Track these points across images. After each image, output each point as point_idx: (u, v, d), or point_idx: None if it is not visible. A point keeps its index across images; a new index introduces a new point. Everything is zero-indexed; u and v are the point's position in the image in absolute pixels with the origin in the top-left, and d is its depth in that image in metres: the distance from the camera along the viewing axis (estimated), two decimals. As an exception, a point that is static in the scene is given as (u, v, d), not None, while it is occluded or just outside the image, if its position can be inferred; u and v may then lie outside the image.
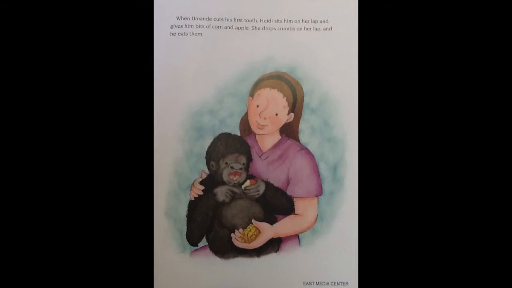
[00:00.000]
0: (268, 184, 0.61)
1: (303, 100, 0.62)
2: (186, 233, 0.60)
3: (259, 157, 0.62)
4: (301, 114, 0.62)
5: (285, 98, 0.62)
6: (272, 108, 0.61)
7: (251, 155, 0.61)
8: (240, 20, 0.61)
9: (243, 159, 0.61)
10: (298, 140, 0.62)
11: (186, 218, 0.60)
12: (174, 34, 0.60)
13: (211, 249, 0.60)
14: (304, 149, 0.62)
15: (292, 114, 0.62)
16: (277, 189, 0.61)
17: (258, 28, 0.61)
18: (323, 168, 0.62)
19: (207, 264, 0.60)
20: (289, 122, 0.62)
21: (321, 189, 0.61)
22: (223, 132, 0.61)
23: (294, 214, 0.61)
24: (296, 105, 0.62)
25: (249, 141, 0.62)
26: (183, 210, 0.60)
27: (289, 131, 0.63)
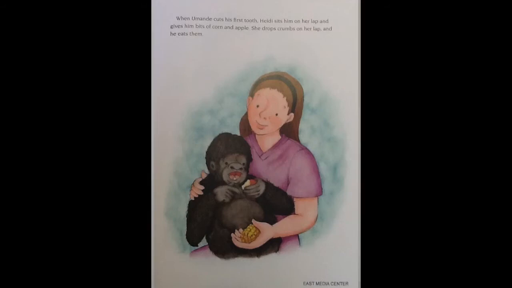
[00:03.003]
0: (268, 184, 0.61)
1: (303, 100, 0.62)
2: (186, 233, 0.60)
3: (259, 157, 0.62)
4: (301, 114, 0.62)
5: (285, 98, 0.62)
6: (272, 108, 0.61)
7: (251, 155, 0.61)
8: (240, 20, 0.61)
9: (243, 159, 0.61)
10: (298, 140, 0.62)
11: (186, 218, 0.60)
12: (174, 34, 0.60)
13: (211, 249, 0.60)
14: (304, 149, 0.62)
15: (292, 114, 0.62)
16: (277, 189, 0.61)
17: (258, 28, 0.61)
18: (323, 168, 0.61)
19: (207, 264, 0.60)
20: (289, 122, 0.62)
21: (321, 189, 0.61)
22: (223, 132, 0.61)
23: (294, 214, 0.61)
24: (296, 105, 0.62)
25: (249, 141, 0.62)
26: (183, 210, 0.60)
27: (289, 131, 0.63)
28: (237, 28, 0.61)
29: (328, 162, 0.61)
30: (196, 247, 0.60)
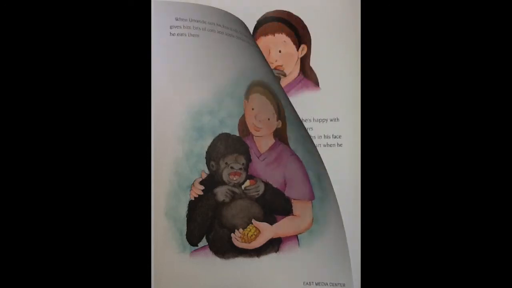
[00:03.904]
0: (267, 185, 0.61)
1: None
2: (186, 233, 0.59)
3: (258, 158, 0.62)
4: (286, 123, 0.63)
5: (272, 106, 0.63)
6: (264, 113, 0.62)
7: (250, 155, 0.62)
8: (228, 28, 0.63)
9: (242, 160, 0.61)
10: (289, 146, 0.63)
11: (186, 218, 0.59)
12: (173, 34, 0.61)
13: (211, 249, 0.60)
14: (295, 155, 0.63)
15: (280, 121, 0.63)
16: (276, 189, 0.62)
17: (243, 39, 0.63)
18: (310, 174, 0.63)
19: (207, 264, 0.59)
20: (279, 128, 0.63)
21: (313, 194, 0.62)
22: (223, 132, 0.61)
23: (293, 215, 0.62)
24: (281, 114, 0.63)
25: (248, 142, 0.62)
26: (183, 210, 0.59)
27: (280, 136, 0.64)
28: (227, 34, 0.62)
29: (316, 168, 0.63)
30: (196, 247, 0.60)
